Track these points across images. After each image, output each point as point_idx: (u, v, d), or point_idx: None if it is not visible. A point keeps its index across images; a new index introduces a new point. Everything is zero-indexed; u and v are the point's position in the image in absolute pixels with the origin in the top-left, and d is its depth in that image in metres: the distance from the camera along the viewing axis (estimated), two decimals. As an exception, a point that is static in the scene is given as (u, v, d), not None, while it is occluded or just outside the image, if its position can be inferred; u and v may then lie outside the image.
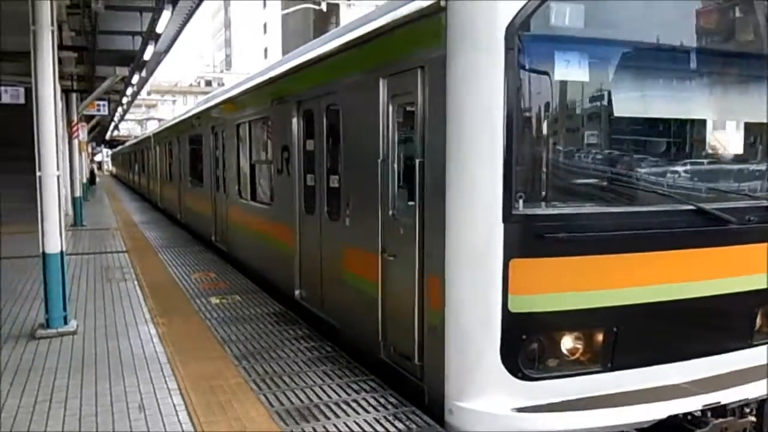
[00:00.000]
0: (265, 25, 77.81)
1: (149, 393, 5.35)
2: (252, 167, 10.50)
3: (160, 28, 13.10)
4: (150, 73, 25.01)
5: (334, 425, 4.70)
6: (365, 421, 4.78)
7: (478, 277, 4.32)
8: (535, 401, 4.30)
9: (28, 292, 9.31)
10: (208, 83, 75.04)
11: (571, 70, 4.37)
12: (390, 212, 5.41)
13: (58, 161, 7.14)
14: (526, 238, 4.25)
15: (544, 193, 4.46)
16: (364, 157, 5.79)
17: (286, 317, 7.81)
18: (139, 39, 15.46)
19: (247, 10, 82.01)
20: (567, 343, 4.44)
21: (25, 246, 11.86)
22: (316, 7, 38.60)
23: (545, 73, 4.32)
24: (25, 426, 4.75)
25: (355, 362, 5.99)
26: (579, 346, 4.45)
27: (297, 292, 7.90)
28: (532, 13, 4.15)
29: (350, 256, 6.30)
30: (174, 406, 5.07)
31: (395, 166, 5.38)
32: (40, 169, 7.01)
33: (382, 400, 5.15)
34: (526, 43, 4.20)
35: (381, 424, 4.71)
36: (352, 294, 6.24)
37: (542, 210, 4.37)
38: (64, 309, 7.24)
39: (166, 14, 12.09)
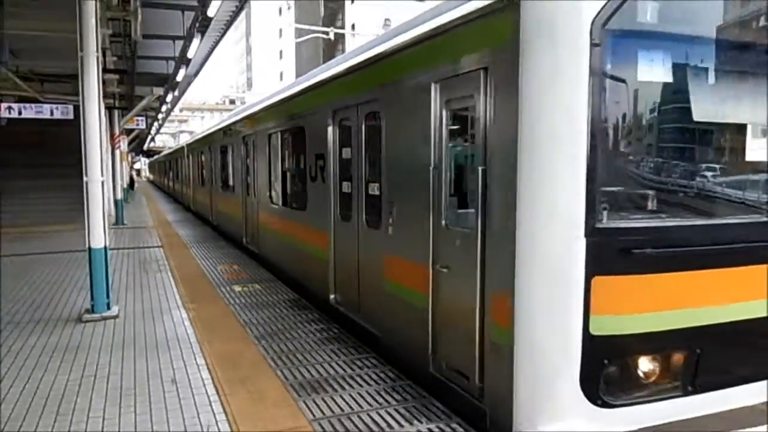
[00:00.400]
0: (281, 52, 77.79)
1: (181, 368, 5.33)
2: (284, 174, 9.47)
3: (190, 54, 13.09)
4: (182, 93, 24.97)
5: (340, 396, 4.69)
6: (367, 392, 4.77)
7: (556, 296, 3.49)
8: (614, 429, 3.52)
9: (76, 281, 9.29)
10: (232, 102, 75.36)
11: (657, 69, 3.57)
12: (443, 222, 4.49)
13: (102, 168, 7.11)
14: (610, 254, 3.42)
15: (630, 204, 3.61)
16: (410, 164, 4.91)
17: (299, 304, 7.78)
18: (172, 63, 15.48)
19: (266, 38, 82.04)
20: (649, 366, 3.65)
21: (74, 242, 11.89)
22: (325, 37, 38.62)
23: (630, 73, 3.52)
24: (73, 397, 4.74)
25: (399, 373, 5.17)
26: (661, 369, 3.67)
27: (332, 297, 7.00)
28: (618, 6, 3.32)
29: (393, 265, 5.32)
30: (202, 379, 5.06)
31: (448, 174, 4.47)
32: (86, 175, 7.00)
33: (382, 375, 5.14)
34: (612, 40, 3.37)
35: (381, 395, 4.71)
36: (396, 303, 5.29)
37: (628, 223, 3.52)
38: (107, 296, 7.22)
39: (195, 42, 12.08)
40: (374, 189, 5.77)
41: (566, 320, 3.46)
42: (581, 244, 3.39)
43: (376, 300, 5.74)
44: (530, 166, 3.51)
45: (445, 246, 4.47)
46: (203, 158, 19.04)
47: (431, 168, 4.56)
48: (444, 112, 4.48)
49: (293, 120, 8.54)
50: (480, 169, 3.95)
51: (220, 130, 15.55)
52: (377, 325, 5.78)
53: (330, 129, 6.82)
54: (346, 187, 6.51)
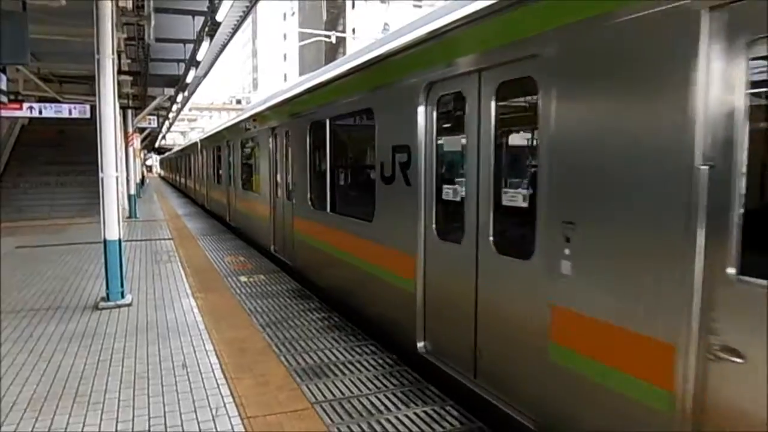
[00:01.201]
0: (285, 55, 77.57)
1: (190, 354, 5.36)
2: (333, 173, 7.29)
3: (200, 57, 13.04)
4: (191, 93, 24.89)
5: (341, 381, 4.72)
6: (366, 377, 4.80)
7: None
8: None
9: (93, 271, 9.31)
10: (239, 102, 75.22)
11: None
12: (727, 270, 2.45)
13: (116, 164, 7.13)
14: None
15: None
16: (627, 162, 2.85)
17: (302, 293, 7.79)
18: (182, 65, 15.43)
19: (271, 42, 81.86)
20: None
21: (90, 234, 11.89)
22: (327, 40, 38.54)
23: None
24: (90, 380, 4.77)
25: None
26: None
27: (420, 344, 4.97)
28: None
29: (576, 325, 3.22)
30: (211, 364, 5.08)
31: (738, 180, 2.41)
32: (102, 171, 7.02)
33: (380, 361, 5.17)
34: None
35: (379, 380, 4.74)
36: (582, 388, 3.19)
37: None
38: (121, 285, 7.24)
39: (204, 45, 12.04)
40: (515, 198, 3.87)
41: None
42: None
43: (524, 369, 3.73)
44: None
45: (738, 315, 2.46)
46: (220, 154, 16.81)
47: (698, 168, 2.51)
48: (732, 63, 2.40)
49: (352, 102, 6.31)
50: None
51: (240, 122, 13.31)
52: (529, 410, 3.71)
53: (421, 110, 4.78)
54: (449, 192, 4.55)
